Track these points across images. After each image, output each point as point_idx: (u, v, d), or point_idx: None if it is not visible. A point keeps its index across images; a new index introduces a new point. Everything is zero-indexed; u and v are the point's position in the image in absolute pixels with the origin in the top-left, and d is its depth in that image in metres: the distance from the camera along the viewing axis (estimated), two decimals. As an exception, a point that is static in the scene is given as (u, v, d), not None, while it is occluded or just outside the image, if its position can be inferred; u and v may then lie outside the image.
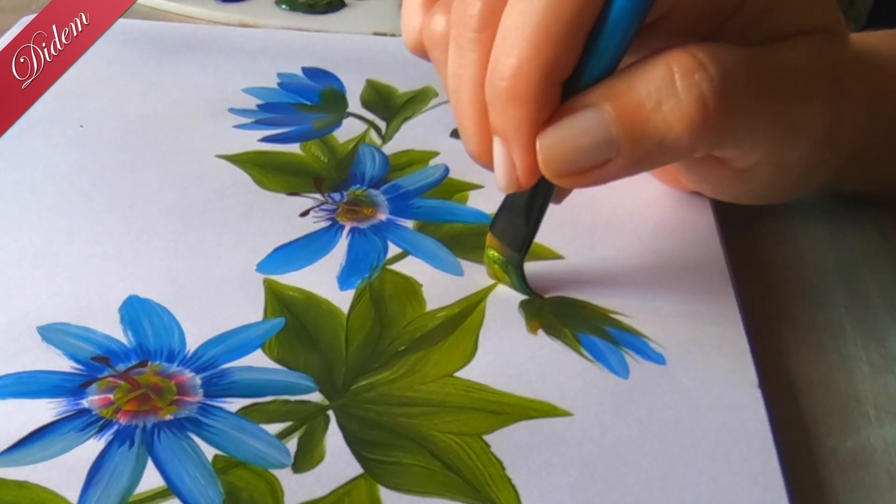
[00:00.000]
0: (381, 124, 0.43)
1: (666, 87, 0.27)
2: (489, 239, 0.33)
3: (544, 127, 0.28)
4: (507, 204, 0.32)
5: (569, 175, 0.29)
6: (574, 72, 0.28)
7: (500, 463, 0.27)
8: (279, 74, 0.47)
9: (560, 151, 0.28)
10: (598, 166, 0.28)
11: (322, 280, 0.33)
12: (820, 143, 0.32)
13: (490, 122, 0.29)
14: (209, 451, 0.27)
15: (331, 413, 0.28)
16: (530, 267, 0.34)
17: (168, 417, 0.28)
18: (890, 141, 0.37)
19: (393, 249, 0.35)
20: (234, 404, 0.28)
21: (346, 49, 0.49)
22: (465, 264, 0.34)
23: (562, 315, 0.32)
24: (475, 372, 0.30)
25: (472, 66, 0.29)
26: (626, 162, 0.28)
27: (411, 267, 0.34)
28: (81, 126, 0.42)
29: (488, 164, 0.30)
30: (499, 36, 0.28)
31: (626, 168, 0.28)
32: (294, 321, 0.31)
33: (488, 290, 0.33)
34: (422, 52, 0.33)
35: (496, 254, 0.33)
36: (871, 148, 0.36)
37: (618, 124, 0.28)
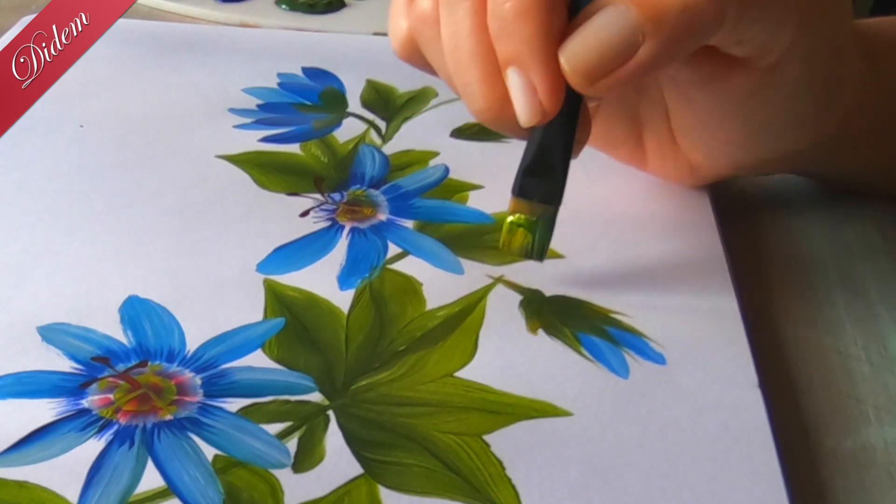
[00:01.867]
0: (381, 124, 0.43)
1: None
2: (514, 204, 0.31)
3: (561, 42, 0.28)
4: (533, 158, 0.30)
5: (600, 76, 0.28)
6: None
7: (500, 463, 0.27)
8: (279, 74, 0.47)
9: (585, 55, 0.28)
10: (627, 59, 0.28)
11: (322, 280, 0.33)
12: (839, 39, 0.31)
13: (501, 56, 0.28)
14: (209, 451, 0.27)
15: (331, 413, 0.28)
16: (530, 266, 0.34)
17: (168, 417, 0.28)
18: (879, 121, 0.36)
19: (393, 249, 0.35)
20: (234, 404, 0.28)
21: (346, 49, 0.49)
22: (466, 264, 0.34)
23: (562, 315, 0.32)
24: (475, 372, 0.30)
25: (467, 16, 0.29)
26: (654, 46, 0.27)
27: (411, 266, 0.34)
28: (81, 126, 0.42)
29: (499, 118, 0.29)
30: None
31: (657, 53, 0.27)
32: (294, 321, 0.31)
33: (488, 289, 0.33)
34: (411, 51, 0.32)
35: (523, 216, 0.31)
36: (863, 124, 0.36)
37: (637, 8, 0.27)
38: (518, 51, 0.28)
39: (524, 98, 0.28)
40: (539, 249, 0.32)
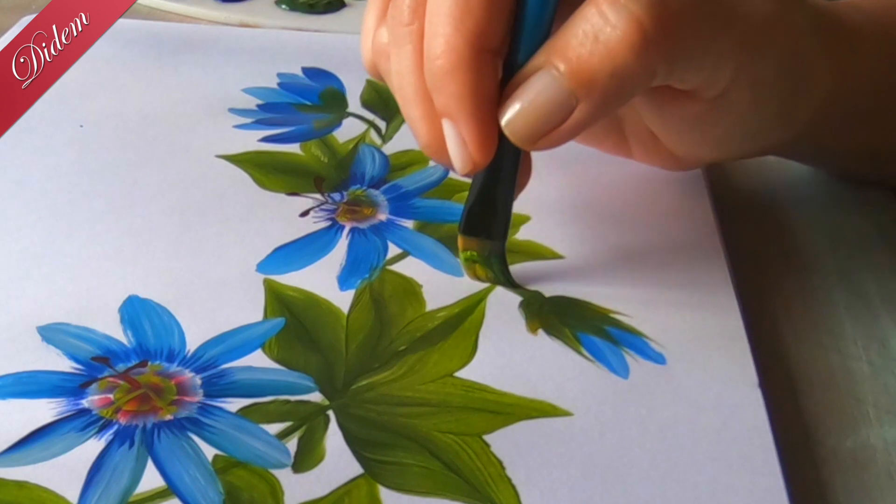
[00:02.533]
0: (381, 124, 0.43)
1: (598, 21, 0.28)
2: (463, 242, 0.33)
3: (501, 104, 0.29)
4: (475, 198, 0.32)
5: (540, 138, 0.29)
6: (513, 48, 0.29)
7: (500, 463, 0.27)
8: (279, 74, 0.47)
9: (523, 120, 0.29)
10: (563, 120, 0.29)
11: (322, 280, 0.33)
12: (790, 59, 0.32)
13: (436, 106, 0.30)
14: (209, 451, 0.27)
15: (331, 413, 0.28)
16: (531, 266, 0.34)
17: (168, 417, 0.28)
18: (858, 107, 0.36)
19: (393, 249, 0.35)
20: (234, 404, 0.28)
21: (346, 49, 0.49)
22: (465, 264, 0.34)
23: (562, 315, 0.32)
24: (475, 372, 0.30)
25: (408, 57, 0.30)
26: (588, 107, 0.29)
27: (411, 267, 0.34)
28: (81, 126, 0.42)
29: (440, 156, 0.31)
30: (426, 23, 0.29)
31: (592, 113, 0.29)
32: (294, 321, 0.31)
33: (488, 290, 0.33)
34: (376, 74, 0.34)
35: (474, 253, 0.33)
36: (841, 113, 0.36)
37: (567, 75, 0.28)
38: (448, 106, 0.29)
39: (456, 149, 0.30)
40: (504, 278, 0.33)
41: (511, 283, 0.33)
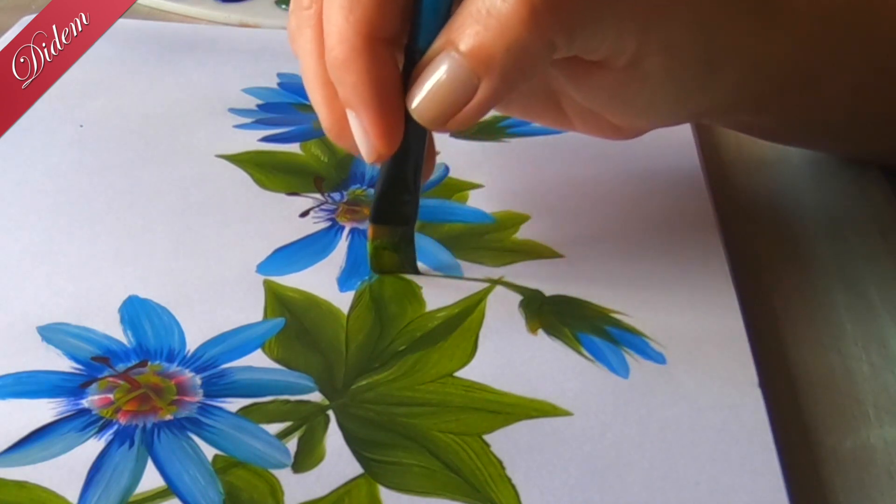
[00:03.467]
0: (381, 124, 0.43)
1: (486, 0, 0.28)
2: (373, 231, 0.33)
3: (407, 90, 0.30)
4: (385, 186, 0.32)
5: (446, 119, 0.30)
6: (412, 35, 0.30)
7: (500, 463, 0.27)
8: (279, 74, 0.47)
9: (428, 104, 0.29)
10: (469, 100, 0.29)
11: (322, 282, 0.33)
12: (699, 25, 0.31)
13: (340, 97, 0.30)
14: (209, 451, 0.27)
15: (331, 413, 0.28)
16: (531, 266, 0.34)
17: (168, 417, 0.28)
18: (794, 69, 0.35)
19: (393, 249, 0.35)
20: (234, 404, 0.28)
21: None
22: (465, 264, 0.34)
23: (562, 315, 0.32)
24: (475, 372, 0.30)
25: (309, 42, 0.31)
26: (491, 85, 0.29)
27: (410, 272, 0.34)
28: (81, 126, 0.42)
29: (343, 142, 0.31)
30: (323, 12, 0.30)
31: (495, 90, 0.29)
32: (294, 321, 0.31)
33: (488, 290, 0.33)
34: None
35: (384, 241, 0.33)
36: (779, 79, 0.35)
37: (466, 55, 0.28)
38: (348, 97, 0.30)
39: (361, 139, 0.30)
40: (410, 264, 0.34)
41: (415, 270, 0.34)
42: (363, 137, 0.30)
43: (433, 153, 0.34)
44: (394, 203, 0.32)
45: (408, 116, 0.30)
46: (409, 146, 0.31)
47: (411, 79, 0.30)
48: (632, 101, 0.33)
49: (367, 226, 0.36)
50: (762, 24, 0.33)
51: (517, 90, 0.30)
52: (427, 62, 0.29)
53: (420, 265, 0.34)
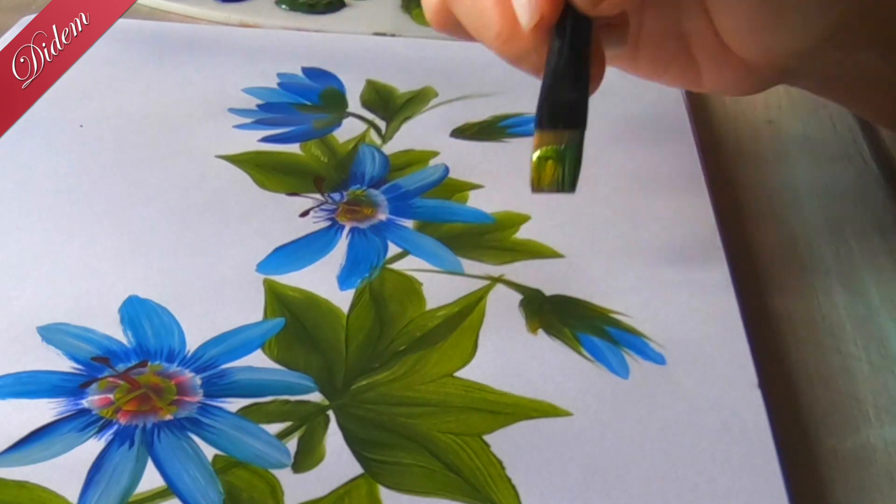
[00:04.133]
0: (381, 124, 0.43)
1: None
2: (539, 138, 0.31)
3: None
4: (552, 84, 0.30)
5: None
6: None
7: (500, 463, 0.27)
8: (279, 74, 0.47)
9: None
10: None
11: (322, 280, 0.33)
12: None
13: None
14: (209, 451, 0.27)
15: (331, 413, 0.28)
16: (531, 266, 0.34)
17: (168, 417, 0.28)
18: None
19: (393, 249, 0.35)
20: (233, 404, 0.28)
21: (346, 49, 0.49)
22: (466, 263, 0.34)
23: (562, 315, 0.32)
24: (475, 372, 0.30)
25: None
26: None
27: (411, 266, 0.34)
28: (81, 126, 0.42)
29: (511, 45, 0.30)
30: None
31: None
32: (294, 321, 0.31)
33: (488, 289, 0.33)
34: (444, 17, 0.33)
35: (551, 147, 0.31)
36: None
37: None
38: None
39: (523, 4, 0.29)
40: (570, 179, 0.31)
41: (573, 185, 0.31)
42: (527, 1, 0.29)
43: (602, 56, 0.32)
44: (562, 103, 0.30)
45: (567, 4, 0.29)
46: (574, 36, 0.30)
47: None
48: (779, 5, 0.32)
49: (367, 225, 0.36)
50: None
51: None
52: None
53: (420, 263, 0.34)
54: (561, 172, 0.31)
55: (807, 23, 0.34)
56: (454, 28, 0.33)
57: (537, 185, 0.31)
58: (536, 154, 0.31)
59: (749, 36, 0.34)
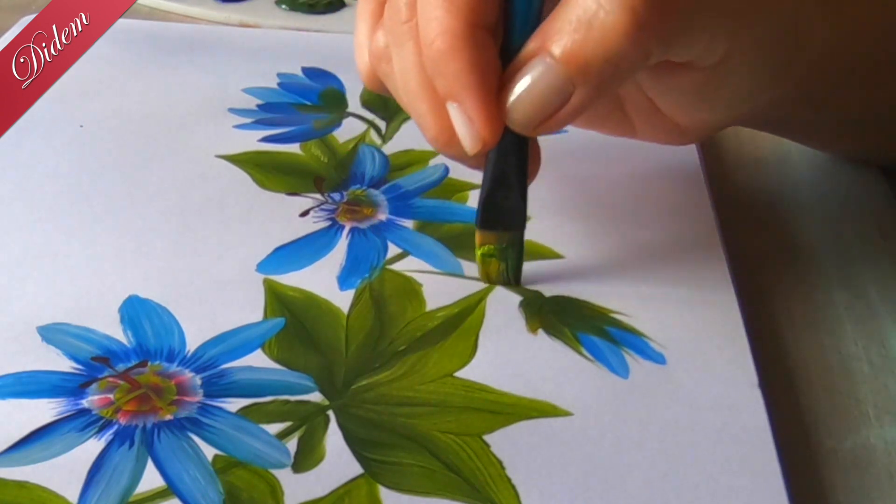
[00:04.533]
0: (381, 124, 0.43)
1: (591, 6, 0.28)
2: (480, 237, 0.33)
3: (495, 75, 0.30)
4: (490, 189, 0.32)
5: (540, 123, 0.30)
6: (506, 33, 0.30)
7: (500, 463, 0.27)
8: (279, 74, 0.47)
9: (522, 109, 0.29)
10: (562, 106, 0.29)
11: (322, 280, 0.33)
12: (784, 20, 0.32)
13: (440, 92, 0.30)
14: (209, 451, 0.27)
15: (331, 413, 0.28)
16: (531, 266, 0.34)
17: (168, 417, 0.28)
18: (854, 61, 0.36)
19: (393, 249, 0.35)
20: (233, 404, 0.28)
21: (346, 49, 0.49)
22: (465, 264, 0.34)
23: (562, 315, 0.32)
24: (475, 372, 0.30)
25: (411, 53, 0.31)
26: (585, 92, 0.29)
27: (411, 267, 0.34)
28: (81, 126, 0.42)
29: (450, 148, 0.31)
30: (419, 14, 0.30)
31: (589, 97, 0.29)
32: (294, 321, 0.31)
33: (488, 289, 0.33)
34: (375, 83, 0.34)
35: (492, 247, 0.33)
36: (840, 65, 0.35)
37: (562, 62, 0.28)
38: (451, 86, 0.29)
39: (464, 129, 0.30)
40: (514, 274, 0.33)
41: (518, 279, 0.33)
42: (467, 127, 0.30)
43: (538, 152, 0.33)
44: (499, 207, 0.32)
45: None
46: (512, 144, 0.30)
47: (503, 80, 0.30)
48: (710, 97, 0.33)
49: (367, 225, 0.36)
50: (832, 12, 0.34)
51: (610, 95, 0.31)
52: (520, 64, 0.29)
53: (420, 263, 0.34)
54: (504, 268, 0.33)
55: (737, 107, 0.35)
56: (388, 94, 0.34)
57: (486, 279, 0.33)
58: (480, 252, 0.33)
59: (681, 111, 0.35)
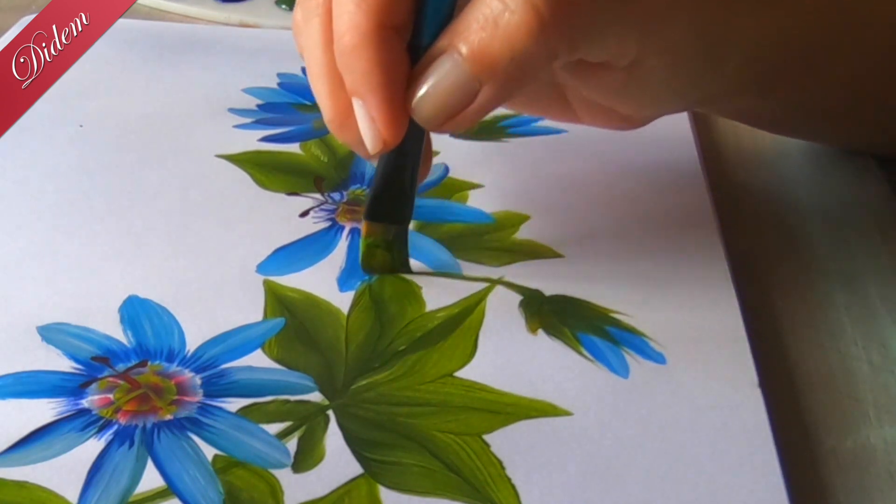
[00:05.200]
0: (381, 124, 0.43)
1: (497, 6, 0.28)
2: (367, 228, 0.33)
3: (402, 76, 0.30)
4: (382, 183, 0.32)
5: (446, 119, 0.30)
6: (416, 31, 0.30)
7: (500, 462, 0.27)
8: (279, 74, 0.47)
9: (428, 105, 0.30)
10: (469, 103, 0.29)
11: (322, 282, 0.33)
12: (706, 22, 0.32)
13: (346, 85, 0.30)
14: (209, 451, 0.27)
15: (330, 413, 0.28)
16: (531, 266, 0.34)
17: (168, 417, 0.28)
18: (800, 48, 0.35)
19: (393, 249, 0.35)
20: (233, 404, 0.28)
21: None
22: (465, 264, 0.34)
23: (562, 314, 0.32)
24: (475, 372, 0.30)
25: (316, 32, 0.31)
26: (492, 90, 0.29)
27: (410, 272, 0.34)
28: (81, 126, 0.42)
29: (344, 134, 0.31)
30: (334, 4, 0.30)
31: (496, 95, 0.29)
32: (294, 321, 0.31)
33: (488, 290, 0.33)
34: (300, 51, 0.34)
35: (378, 238, 0.33)
36: (786, 56, 0.35)
37: (468, 59, 0.29)
38: (357, 84, 0.30)
39: (367, 128, 0.30)
40: (400, 263, 0.34)
41: (408, 269, 0.34)
42: (369, 126, 0.30)
43: (430, 154, 0.34)
44: (389, 201, 0.33)
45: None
46: (407, 145, 0.31)
47: (411, 76, 0.30)
48: (637, 96, 0.33)
49: (367, 226, 0.36)
50: (761, 5, 0.34)
51: (516, 95, 0.31)
52: (429, 61, 0.30)
53: (419, 264, 0.34)
54: (390, 258, 0.33)
55: (666, 103, 0.35)
56: None
57: (367, 269, 0.34)
58: (364, 243, 0.33)
59: (614, 104, 0.35)
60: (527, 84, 0.30)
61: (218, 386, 0.29)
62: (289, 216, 0.37)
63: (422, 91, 0.30)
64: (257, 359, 0.30)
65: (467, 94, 0.29)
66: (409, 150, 0.31)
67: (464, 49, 0.29)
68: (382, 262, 0.33)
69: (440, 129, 0.30)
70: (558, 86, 0.36)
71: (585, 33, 0.29)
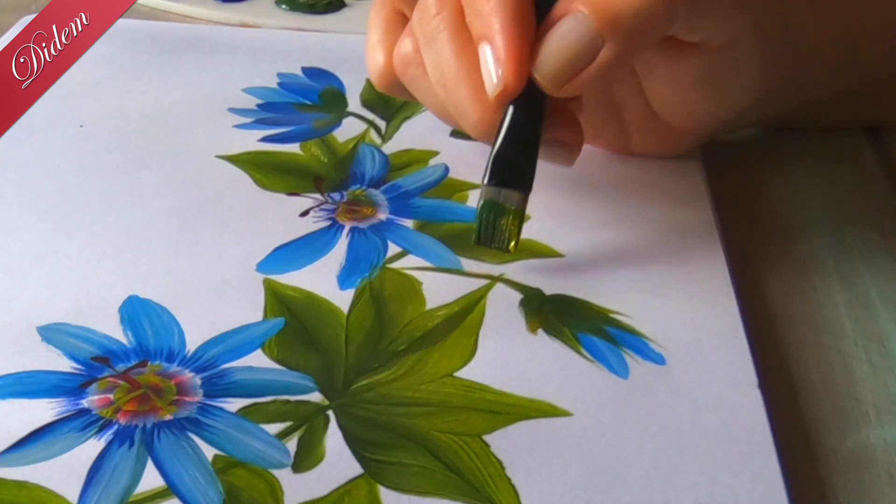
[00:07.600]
0: (381, 124, 0.43)
1: None
2: (487, 192, 0.32)
3: (529, 30, 0.30)
4: (503, 145, 0.32)
5: (567, 80, 0.30)
6: None
7: (500, 463, 0.27)
8: (279, 74, 0.47)
9: (551, 63, 0.30)
10: (590, 63, 0.30)
11: (322, 280, 0.33)
12: (778, 13, 0.34)
13: (474, 35, 0.31)
14: (209, 451, 0.27)
15: (330, 413, 0.28)
16: (531, 265, 0.34)
17: (168, 417, 0.28)
18: (837, 48, 0.38)
19: (393, 249, 0.35)
20: (233, 404, 0.28)
21: (346, 49, 0.49)
22: (465, 263, 0.34)
23: (562, 315, 0.32)
24: (475, 372, 0.30)
25: (446, 43, 0.32)
26: (613, 49, 0.30)
27: (411, 264, 0.34)
28: (81, 126, 0.42)
29: (492, 126, 0.32)
30: None
31: (616, 55, 0.30)
32: (294, 321, 0.31)
33: (488, 288, 0.33)
34: (390, 84, 0.35)
35: (496, 203, 0.32)
36: (825, 51, 0.37)
37: (592, 15, 0.30)
38: (485, 25, 0.30)
39: (490, 72, 0.31)
40: (512, 238, 0.33)
41: (517, 244, 0.33)
42: (494, 69, 0.30)
43: (578, 127, 0.33)
44: (512, 164, 0.32)
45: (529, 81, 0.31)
46: (532, 101, 0.31)
47: (538, 31, 0.30)
48: (714, 84, 0.35)
49: (367, 224, 0.36)
50: (816, 8, 0.36)
51: (633, 59, 0.32)
52: (554, 20, 0.30)
53: (420, 261, 0.34)
54: (506, 230, 0.32)
55: (733, 99, 0.37)
56: (400, 94, 0.36)
57: (478, 241, 0.33)
58: (479, 211, 0.32)
59: (679, 106, 0.36)
60: (644, 47, 0.31)
61: (218, 386, 0.29)
62: (289, 216, 0.37)
63: (545, 49, 0.30)
64: (257, 359, 0.30)
65: (589, 52, 0.30)
66: (532, 109, 0.31)
67: (588, 5, 0.29)
68: (494, 234, 0.32)
69: (561, 92, 0.31)
70: (615, 104, 0.36)
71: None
